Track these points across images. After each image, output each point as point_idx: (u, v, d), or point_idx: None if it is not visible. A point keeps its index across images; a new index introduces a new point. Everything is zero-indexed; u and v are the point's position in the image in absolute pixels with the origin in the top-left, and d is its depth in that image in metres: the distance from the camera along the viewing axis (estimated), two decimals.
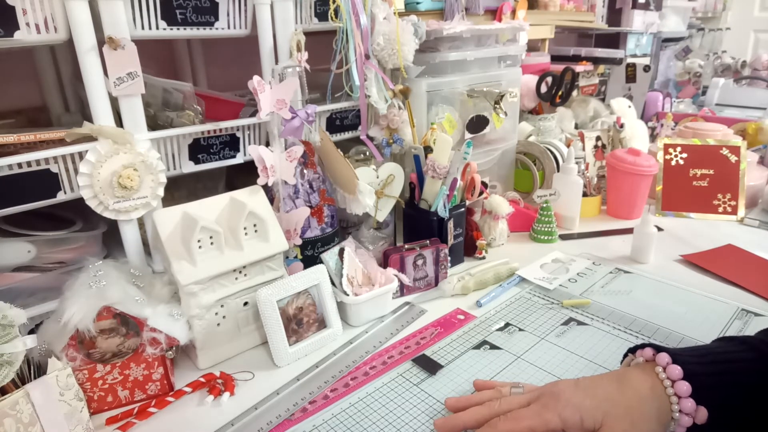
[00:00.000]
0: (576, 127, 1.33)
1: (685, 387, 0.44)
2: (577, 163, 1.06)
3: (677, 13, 2.24)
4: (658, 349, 0.48)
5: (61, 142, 0.62)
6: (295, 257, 0.77)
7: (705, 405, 0.44)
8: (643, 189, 1.09)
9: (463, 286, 0.81)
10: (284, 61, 0.77)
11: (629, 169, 1.06)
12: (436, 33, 0.94)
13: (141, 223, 0.70)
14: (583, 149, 1.17)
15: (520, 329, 0.72)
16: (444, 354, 0.67)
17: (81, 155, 0.62)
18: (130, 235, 0.69)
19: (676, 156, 1.13)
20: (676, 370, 0.45)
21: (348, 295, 0.71)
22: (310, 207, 0.76)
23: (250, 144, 0.79)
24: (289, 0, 0.76)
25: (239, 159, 0.79)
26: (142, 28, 0.65)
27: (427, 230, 0.86)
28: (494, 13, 1.33)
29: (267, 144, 0.79)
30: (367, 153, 0.91)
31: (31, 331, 0.59)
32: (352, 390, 0.61)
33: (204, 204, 0.67)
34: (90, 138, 0.62)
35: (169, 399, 0.60)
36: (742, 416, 0.45)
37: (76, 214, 0.75)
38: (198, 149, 0.74)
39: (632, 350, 0.53)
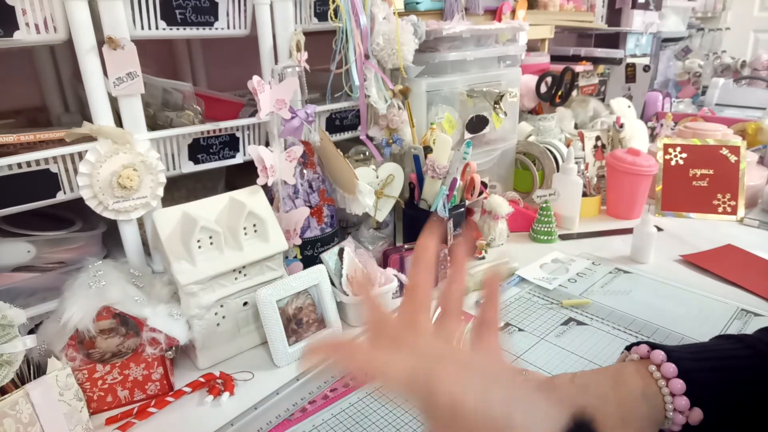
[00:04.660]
0: (576, 127, 1.33)
1: (679, 385, 0.44)
2: (576, 163, 1.06)
3: (677, 13, 2.24)
4: (653, 346, 0.48)
5: (60, 142, 0.62)
6: (295, 257, 0.77)
7: (700, 402, 0.44)
8: (642, 189, 1.09)
9: None
10: (284, 61, 0.77)
11: (629, 169, 1.06)
12: (435, 33, 0.94)
13: (141, 223, 0.70)
14: (583, 149, 1.17)
15: (520, 329, 0.72)
16: None
17: (81, 155, 0.62)
18: (129, 235, 0.69)
19: (675, 156, 1.13)
20: (671, 368, 0.45)
21: (348, 295, 0.71)
22: (310, 207, 0.76)
23: (249, 144, 0.79)
24: (288, 0, 0.76)
25: (239, 159, 0.79)
26: (142, 28, 0.65)
27: None
28: (494, 13, 1.33)
29: (267, 144, 0.79)
30: (367, 153, 0.91)
31: (31, 331, 0.59)
32: (352, 390, 0.61)
33: (204, 204, 0.67)
34: (90, 138, 0.62)
35: (169, 399, 0.60)
36: (738, 414, 0.45)
37: (76, 214, 0.74)
38: (197, 149, 0.74)
39: (629, 348, 0.53)
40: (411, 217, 0.90)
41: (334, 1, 0.80)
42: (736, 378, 0.45)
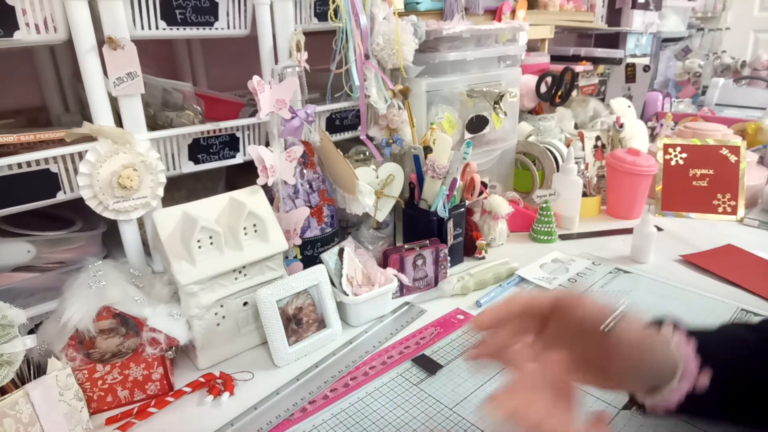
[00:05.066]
0: (575, 127, 1.33)
1: (690, 349, 0.45)
2: (576, 163, 1.06)
3: (677, 13, 2.24)
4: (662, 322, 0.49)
5: (60, 142, 0.62)
6: (295, 257, 0.77)
7: (709, 364, 0.45)
8: (642, 189, 1.09)
9: (463, 286, 0.81)
10: (284, 61, 0.77)
11: (629, 169, 1.06)
12: (435, 33, 0.94)
13: (141, 223, 0.70)
14: (583, 149, 1.17)
15: None
16: (443, 354, 0.67)
17: (81, 155, 0.62)
18: (129, 235, 0.69)
19: (675, 156, 1.13)
20: (683, 334, 0.46)
21: (348, 295, 0.71)
22: (310, 207, 0.76)
23: (249, 144, 0.79)
24: (288, 0, 0.76)
25: (239, 159, 0.79)
26: (142, 28, 0.65)
27: (427, 230, 0.86)
28: (494, 13, 1.33)
29: (267, 144, 0.79)
30: (367, 153, 0.91)
31: (31, 331, 0.59)
32: (352, 390, 0.61)
33: (204, 204, 0.67)
34: (90, 138, 0.62)
35: (169, 399, 0.60)
36: (742, 392, 0.46)
37: (76, 214, 0.75)
38: (198, 149, 0.74)
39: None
40: (411, 217, 0.90)
41: (334, 1, 0.80)
42: (744, 356, 0.47)
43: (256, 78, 0.68)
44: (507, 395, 0.40)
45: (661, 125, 1.46)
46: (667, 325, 0.48)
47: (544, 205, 0.99)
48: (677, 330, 0.47)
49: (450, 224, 0.87)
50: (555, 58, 1.56)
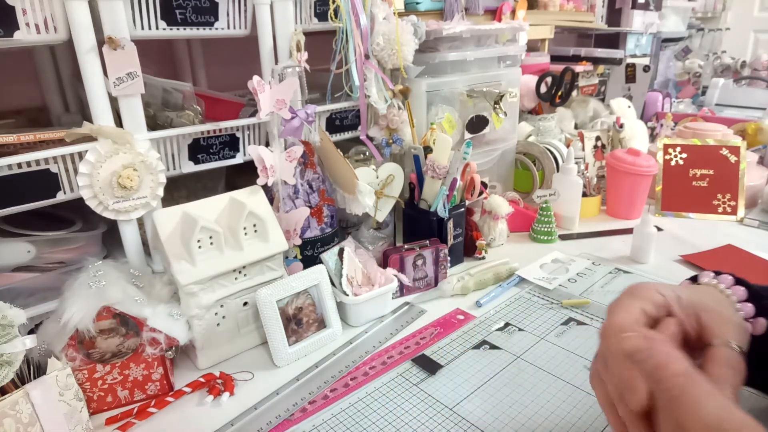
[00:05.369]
0: (576, 127, 1.33)
1: (749, 307, 0.46)
2: (576, 163, 1.06)
3: (677, 13, 2.24)
4: (718, 273, 0.49)
5: (60, 142, 0.62)
6: (295, 257, 0.77)
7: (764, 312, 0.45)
8: (642, 189, 1.09)
9: (463, 286, 0.81)
10: (284, 61, 0.77)
11: (629, 169, 1.06)
12: (435, 33, 0.94)
13: (141, 223, 0.70)
14: (583, 149, 1.17)
15: (520, 329, 0.72)
16: (444, 354, 0.67)
17: (81, 155, 0.62)
18: (129, 235, 0.69)
19: (675, 156, 1.13)
20: (741, 291, 0.47)
21: (348, 295, 0.71)
22: (310, 207, 0.76)
23: (249, 144, 0.79)
24: (289, 0, 0.76)
25: (239, 159, 0.79)
26: (142, 28, 0.65)
27: (427, 230, 0.86)
28: (494, 13, 1.33)
29: (267, 144, 0.79)
30: (367, 153, 0.91)
31: (31, 331, 0.59)
32: (352, 390, 0.61)
33: (204, 204, 0.67)
34: (90, 138, 0.63)
35: (169, 399, 0.60)
36: None
37: (76, 214, 0.75)
38: (198, 149, 0.74)
39: (692, 279, 0.54)
40: (411, 217, 0.90)
41: (334, 1, 0.80)
42: None
43: (256, 78, 0.68)
44: (640, 336, 0.39)
45: (661, 125, 1.46)
46: (724, 280, 0.48)
47: (544, 205, 0.99)
48: (732, 287, 0.47)
49: (450, 224, 0.87)
50: (555, 58, 1.56)
